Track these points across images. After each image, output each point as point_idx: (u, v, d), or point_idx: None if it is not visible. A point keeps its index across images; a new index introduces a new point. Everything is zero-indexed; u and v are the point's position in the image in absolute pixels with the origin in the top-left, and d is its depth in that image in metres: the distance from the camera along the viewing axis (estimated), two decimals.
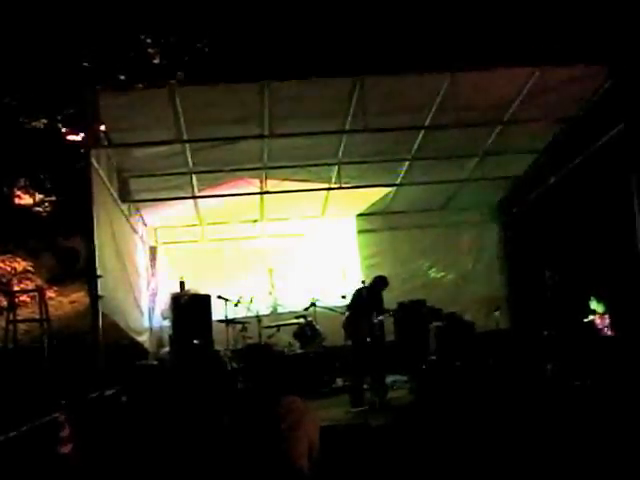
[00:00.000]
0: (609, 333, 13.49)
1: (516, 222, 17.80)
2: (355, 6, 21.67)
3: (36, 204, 23.82)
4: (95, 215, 11.95)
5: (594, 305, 13.84)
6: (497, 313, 15.43)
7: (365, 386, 12.63)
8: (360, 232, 18.88)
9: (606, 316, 13.66)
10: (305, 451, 5.87)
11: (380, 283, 13.40)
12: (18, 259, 20.34)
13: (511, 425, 7.32)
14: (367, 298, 12.91)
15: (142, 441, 6.23)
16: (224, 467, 5.83)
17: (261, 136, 13.61)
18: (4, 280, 19.35)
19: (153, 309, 16.98)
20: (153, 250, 17.77)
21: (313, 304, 15.50)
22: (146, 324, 16.27)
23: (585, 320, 13.81)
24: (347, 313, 13.12)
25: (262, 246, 18.12)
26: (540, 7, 20.43)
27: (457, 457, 6.70)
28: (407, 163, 15.70)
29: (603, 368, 11.02)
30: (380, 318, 12.94)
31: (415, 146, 14.94)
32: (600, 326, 13.65)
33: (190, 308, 14.13)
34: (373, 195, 17.54)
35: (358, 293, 13.13)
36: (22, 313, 14.68)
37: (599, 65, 12.73)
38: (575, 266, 14.73)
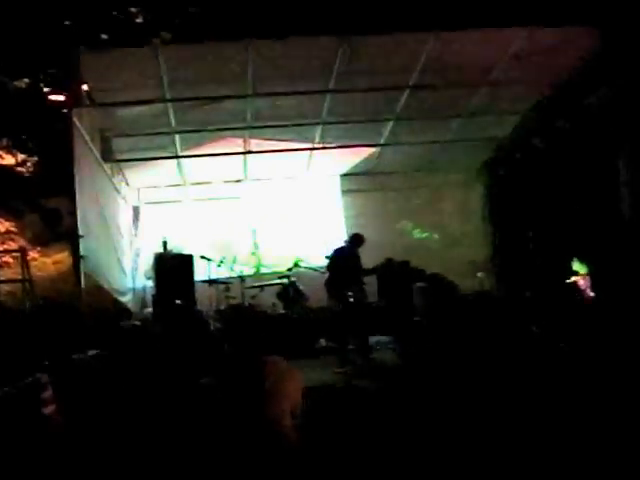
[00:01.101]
0: (592, 294, 13.54)
1: (500, 184, 17.78)
2: None
3: (18, 164, 23.66)
4: (77, 175, 11.90)
5: (577, 266, 13.87)
6: (481, 275, 15.48)
7: (349, 347, 12.66)
8: (345, 192, 18.84)
9: (589, 277, 13.71)
10: (287, 412, 5.89)
11: (355, 241, 13.36)
12: (1, 220, 20.23)
13: (496, 386, 7.35)
14: (346, 258, 12.91)
15: (125, 402, 6.23)
16: (207, 427, 5.83)
17: (245, 96, 13.54)
18: None
19: (136, 269, 16.97)
20: (136, 210, 17.73)
21: (296, 264, 15.49)
22: (129, 284, 16.26)
23: (567, 281, 13.86)
24: (328, 274, 13.10)
25: (245, 206, 18.07)
26: None
27: (442, 418, 6.72)
28: (391, 123, 15.62)
29: (586, 329, 11.05)
30: (363, 278, 12.96)
31: (399, 106, 14.85)
32: (583, 287, 13.69)
33: (173, 268, 14.10)
34: (357, 155, 17.48)
35: (337, 253, 13.11)
36: (5, 274, 14.62)
37: (587, 27, 12.65)
38: (558, 227, 14.76)
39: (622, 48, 12.17)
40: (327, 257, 13.91)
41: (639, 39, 11.91)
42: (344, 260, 12.92)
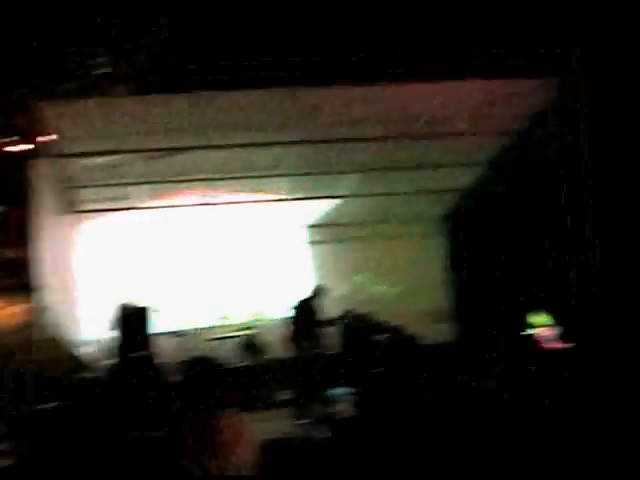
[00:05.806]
0: (557, 346, 13.50)
1: (459, 235, 17.89)
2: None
3: None
4: (40, 225, 11.90)
5: (538, 318, 13.88)
6: (441, 327, 15.53)
7: (309, 399, 12.64)
8: (308, 244, 18.92)
9: (551, 328, 13.69)
10: (244, 466, 5.86)
11: (318, 294, 13.42)
12: None
13: (452, 437, 7.36)
14: (309, 310, 12.95)
15: (85, 452, 6.18)
16: None
17: (205, 147, 13.49)
18: None
19: (97, 320, 16.85)
20: (98, 260, 17.64)
21: (258, 316, 15.48)
22: (90, 336, 16.14)
23: (530, 333, 13.85)
24: (291, 326, 13.11)
25: (210, 256, 18.05)
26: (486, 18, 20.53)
27: (401, 469, 6.70)
28: (352, 175, 15.65)
29: (550, 381, 11.05)
30: (322, 330, 12.99)
31: (361, 158, 14.88)
32: (544, 339, 13.67)
33: (132, 319, 14.01)
34: (317, 207, 17.55)
35: (300, 305, 13.15)
36: None
37: (543, 79, 12.79)
38: (519, 278, 14.83)
39: (573, 102, 12.34)
40: (288, 308, 13.93)
41: (590, 93, 12.07)
42: (306, 312, 12.95)
